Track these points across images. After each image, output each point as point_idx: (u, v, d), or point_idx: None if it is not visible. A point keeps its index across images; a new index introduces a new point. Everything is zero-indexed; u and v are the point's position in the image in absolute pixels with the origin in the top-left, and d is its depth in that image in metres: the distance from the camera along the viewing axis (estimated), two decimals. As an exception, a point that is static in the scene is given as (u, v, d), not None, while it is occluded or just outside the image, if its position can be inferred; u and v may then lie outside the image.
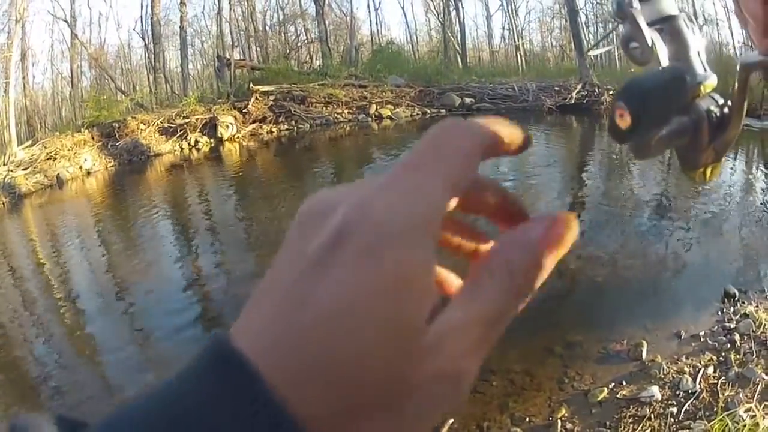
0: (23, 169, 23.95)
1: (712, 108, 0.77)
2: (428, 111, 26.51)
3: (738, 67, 0.72)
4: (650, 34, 0.75)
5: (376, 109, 26.80)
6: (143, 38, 39.94)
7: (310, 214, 0.49)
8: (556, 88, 25.27)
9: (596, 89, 24.12)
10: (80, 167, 24.54)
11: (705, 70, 0.78)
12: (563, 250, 0.51)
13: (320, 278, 0.44)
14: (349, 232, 0.45)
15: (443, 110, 26.32)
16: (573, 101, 23.99)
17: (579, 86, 24.39)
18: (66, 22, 38.20)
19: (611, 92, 23.15)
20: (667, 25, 0.78)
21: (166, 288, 11.15)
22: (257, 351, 0.42)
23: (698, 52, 0.78)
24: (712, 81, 0.78)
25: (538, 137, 21.10)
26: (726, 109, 0.77)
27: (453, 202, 0.50)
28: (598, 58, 35.06)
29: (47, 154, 24.90)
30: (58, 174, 23.83)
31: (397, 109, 26.75)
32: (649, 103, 0.68)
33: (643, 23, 0.75)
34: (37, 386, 8.51)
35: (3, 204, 21.45)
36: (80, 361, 9.14)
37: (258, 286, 0.47)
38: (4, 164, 24.38)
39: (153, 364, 8.47)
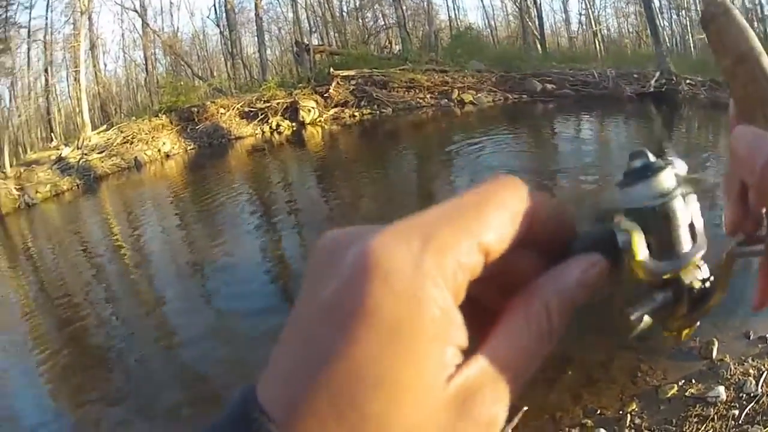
0: (98, 153, 24.46)
1: (695, 283, 0.76)
2: (510, 96, 26.01)
3: (725, 254, 0.76)
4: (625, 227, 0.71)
5: (458, 94, 26.41)
6: (218, 25, 40.61)
7: (321, 257, 0.51)
8: (635, 75, 24.63)
9: (674, 77, 23.38)
10: (158, 150, 24.88)
11: (694, 243, 0.76)
12: (592, 291, 0.56)
13: (333, 329, 0.46)
14: (357, 280, 0.46)
15: (525, 96, 25.84)
16: (651, 89, 23.25)
17: (657, 74, 23.67)
18: (136, 11, 38.78)
19: (688, 81, 22.78)
20: (660, 204, 0.74)
21: (244, 268, 11.12)
22: (279, 406, 0.46)
23: (689, 225, 0.76)
24: (698, 255, 0.76)
25: (619, 126, 21.11)
26: (708, 284, 0.76)
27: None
28: (674, 45, 34.38)
29: (123, 138, 25.40)
30: (135, 157, 24.22)
31: (479, 95, 26.31)
32: None
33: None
34: (109, 359, 8.72)
35: (77, 186, 22.12)
36: (154, 338, 9.24)
37: (282, 333, 0.50)
38: (78, 148, 24.87)
39: (227, 345, 8.51)
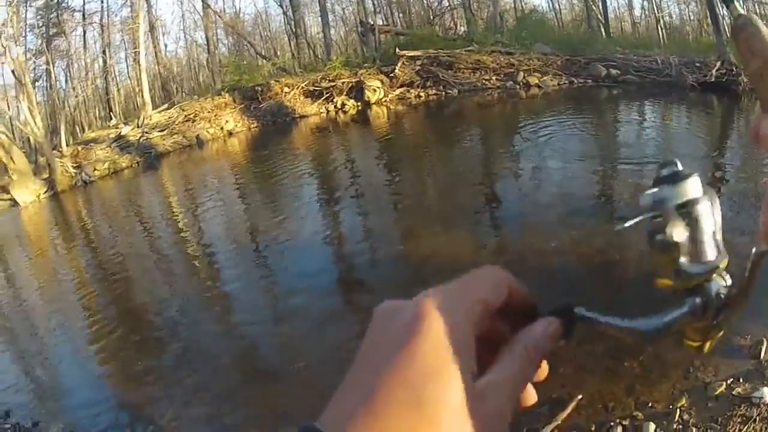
0: (159, 131, 24.91)
1: (721, 290, 0.84)
2: (575, 81, 25.79)
3: (752, 255, 0.82)
4: (673, 229, 0.85)
5: (524, 76, 26.16)
6: (281, 6, 40.81)
7: (382, 317, 0.78)
8: (697, 64, 24.09)
9: (734, 68, 22.50)
10: (221, 128, 25.12)
11: (719, 252, 0.85)
12: (553, 341, 0.84)
13: (402, 349, 0.71)
14: (416, 320, 0.74)
15: (590, 80, 25.64)
16: (713, 79, 22.68)
17: (718, 64, 22.99)
18: (196, -6, 38.93)
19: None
20: (687, 209, 0.85)
21: (304, 249, 11.08)
22: (351, 411, 0.68)
23: (713, 233, 0.85)
24: (722, 263, 0.85)
25: (681, 116, 20.98)
26: (734, 290, 0.84)
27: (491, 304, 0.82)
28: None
29: (185, 116, 25.80)
30: (197, 134, 24.60)
31: (545, 78, 26.09)
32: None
33: (674, 218, 0.86)
34: (164, 336, 8.89)
35: (137, 163, 22.65)
36: (211, 316, 9.33)
37: (346, 376, 0.73)
38: (138, 126, 25.07)
39: (284, 324, 8.59)
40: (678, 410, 5.67)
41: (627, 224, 0.85)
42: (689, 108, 21.30)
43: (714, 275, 0.84)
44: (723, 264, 0.85)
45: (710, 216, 0.85)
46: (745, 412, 5.50)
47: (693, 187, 0.86)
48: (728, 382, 5.89)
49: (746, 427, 5.28)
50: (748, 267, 0.80)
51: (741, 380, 5.91)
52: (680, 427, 5.55)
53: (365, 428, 0.67)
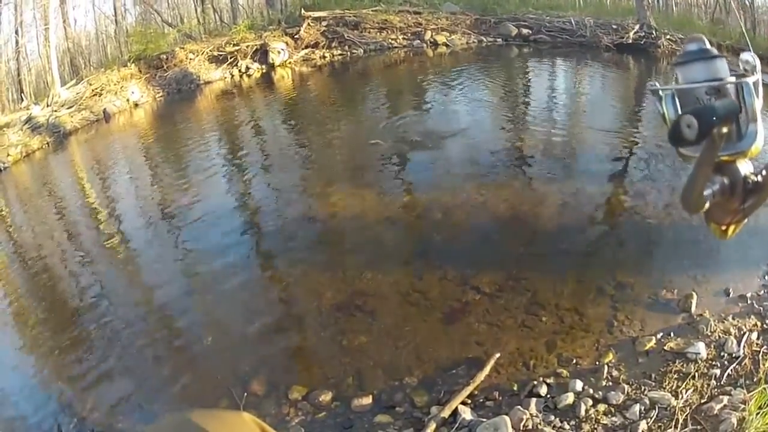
0: (68, 108, 23.70)
1: (750, 174, 0.90)
2: (484, 39, 25.96)
3: None
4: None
5: (431, 35, 26.30)
6: None
7: None
8: (614, 26, 24.54)
9: (654, 31, 23.47)
10: (127, 100, 24.37)
11: (745, 136, 0.88)
12: None
13: None
14: None
15: (499, 39, 25.83)
16: (630, 41, 23.38)
17: (636, 27, 23.72)
18: (104, -38, 37.63)
19: (668, 36, 22.81)
20: (722, 86, 0.88)
21: (215, 212, 11.05)
22: None
23: (744, 115, 0.88)
24: (757, 147, 0.89)
25: (594, 73, 21.18)
26: (760, 177, 0.90)
27: None
28: (655, 1, 33.91)
29: (92, 90, 24.80)
30: (104, 108, 23.67)
31: (453, 36, 26.15)
32: (712, 123, 0.83)
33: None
34: (84, 311, 8.52)
35: (48, 143, 21.35)
36: (129, 286, 9.19)
37: None
38: (47, 105, 24.22)
39: (201, 288, 8.53)
40: (606, 366, 5.64)
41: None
42: (603, 66, 21.65)
43: (741, 158, 0.89)
44: (756, 149, 0.90)
45: (737, 98, 0.88)
46: (681, 368, 5.48)
47: (721, 67, 0.90)
48: (658, 336, 5.92)
49: (685, 384, 5.23)
50: None
51: (672, 335, 5.94)
52: (610, 384, 5.47)
53: None
